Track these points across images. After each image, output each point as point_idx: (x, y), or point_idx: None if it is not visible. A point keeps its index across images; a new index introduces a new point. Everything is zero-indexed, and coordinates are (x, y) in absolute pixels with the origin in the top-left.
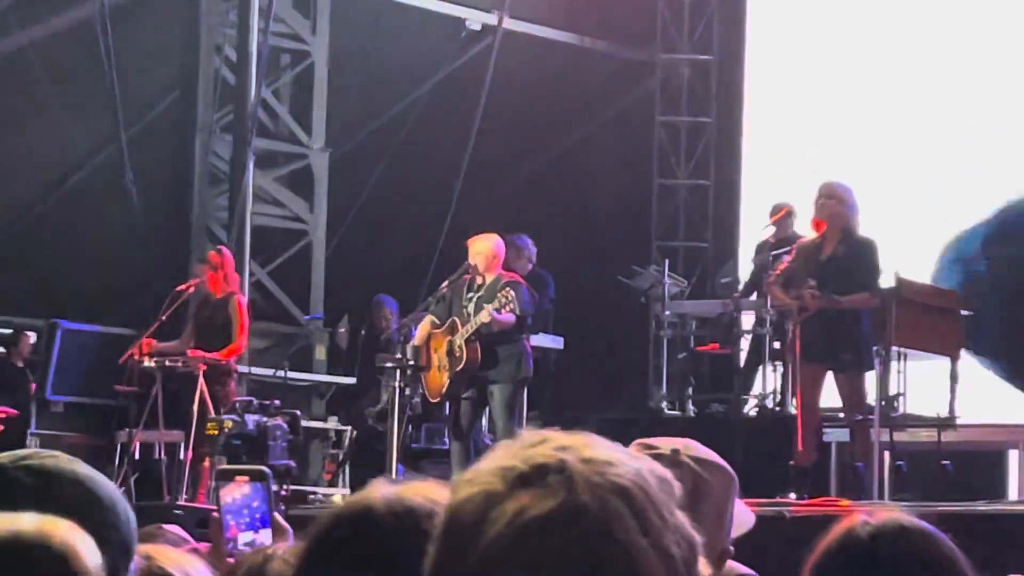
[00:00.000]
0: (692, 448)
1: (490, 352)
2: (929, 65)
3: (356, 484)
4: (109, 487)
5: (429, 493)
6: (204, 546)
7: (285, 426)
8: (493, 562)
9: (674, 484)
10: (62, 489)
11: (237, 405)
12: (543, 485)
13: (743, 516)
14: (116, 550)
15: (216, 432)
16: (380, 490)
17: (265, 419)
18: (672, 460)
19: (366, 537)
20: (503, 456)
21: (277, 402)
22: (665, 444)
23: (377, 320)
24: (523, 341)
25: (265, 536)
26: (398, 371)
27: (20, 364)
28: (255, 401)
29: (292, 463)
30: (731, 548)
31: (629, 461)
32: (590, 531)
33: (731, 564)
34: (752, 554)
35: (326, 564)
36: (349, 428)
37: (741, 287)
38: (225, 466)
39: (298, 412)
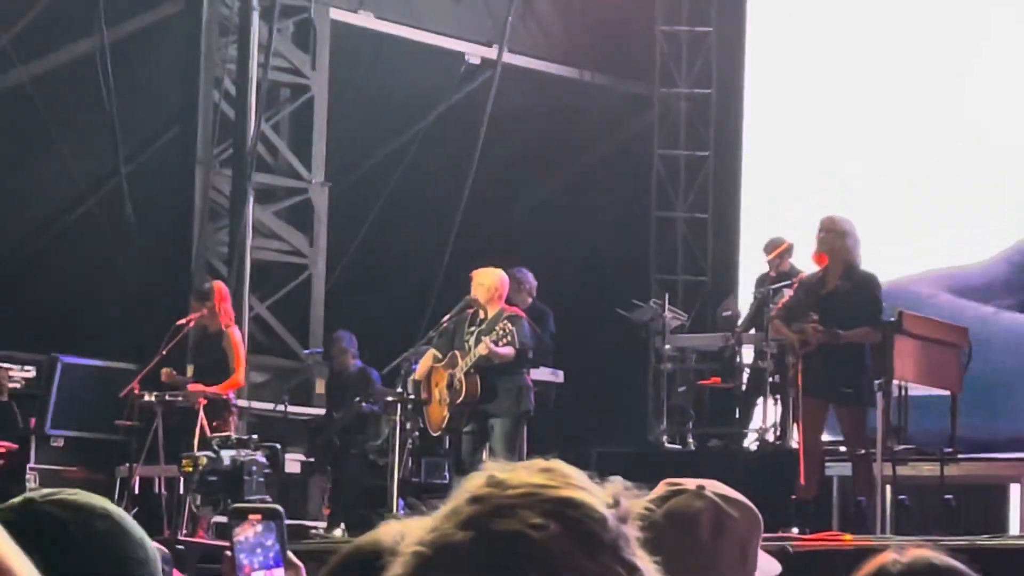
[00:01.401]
0: (718, 486)
1: (490, 386)
2: (931, 99)
3: (353, 519)
4: (137, 525)
5: None
6: None
7: (263, 460)
8: None
9: (615, 528)
10: (93, 523)
11: (213, 441)
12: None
13: (769, 564)
14: None
15: (191, 469)
16: (391, 531)
17: (241, 455)
18: (696, 495)
19: None
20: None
21: (255, 436)
22: (691, 482)
23: (330, 354)
24: (524, 375)
25: (278, 575)
26: (399, 405)
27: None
28: (233, 436)
29: (268, 498)
30: None
31: (540, 505)
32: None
33: None
34: None
35: None
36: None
37: (741, 321)
38: (238, 505)
39: (278, 446)
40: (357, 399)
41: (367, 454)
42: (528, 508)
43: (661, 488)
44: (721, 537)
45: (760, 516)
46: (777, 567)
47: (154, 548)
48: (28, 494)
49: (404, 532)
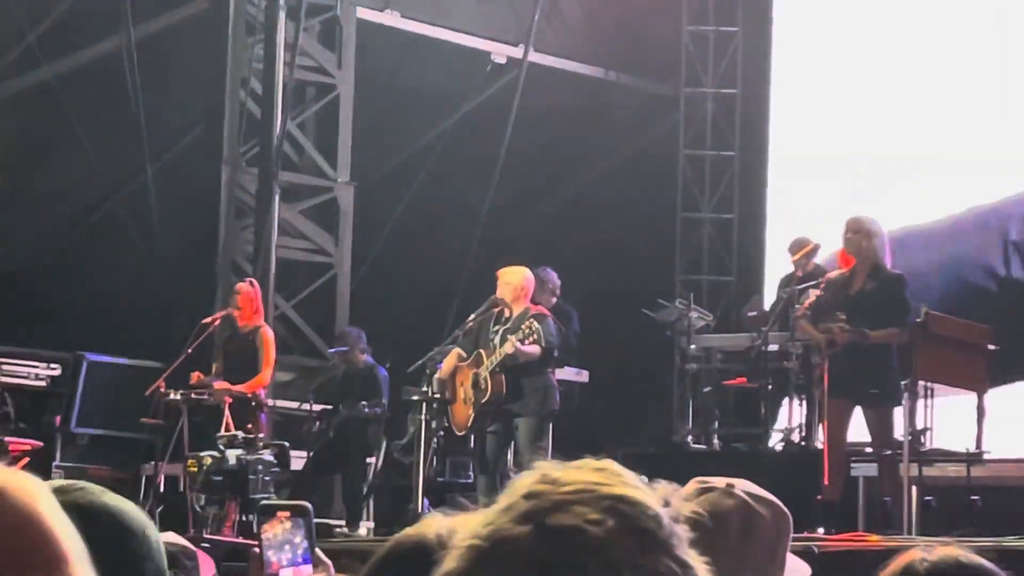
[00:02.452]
0: (748, 485)
1: (516, 385)
2: (959, 97)
3: (379, 518)
4: (139, 516)
5: None
6: None
7: (271, 459)
8: None
9: (669, 527)
10: (94, 521)
11: (220, 441)
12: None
13: (798, 566)
14: None
15: (196, 469)
16: (433, 525)
17: (247, 454)
18: (725, 493)
19: (419, 572)
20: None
21: (263, 435)
22: (721, 481)
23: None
24: (549, 375)
25: (307, 571)
26: (424, 404)
27: None
28: (240, 435)
29: (273, 496)
30: None
31: (598, 511)
32: None
33: None
34: None
35: None
36: (372, 460)
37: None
38: (267, 502)
39: (287, 444)
40: (362, 403)
41: (365, 455)
42: (585, 504)
43: (691, 486)
44: (750, 536)
45: (790, 516)
46: (807, 569)
47: (158, 537)
48: None
49: (448, 526)
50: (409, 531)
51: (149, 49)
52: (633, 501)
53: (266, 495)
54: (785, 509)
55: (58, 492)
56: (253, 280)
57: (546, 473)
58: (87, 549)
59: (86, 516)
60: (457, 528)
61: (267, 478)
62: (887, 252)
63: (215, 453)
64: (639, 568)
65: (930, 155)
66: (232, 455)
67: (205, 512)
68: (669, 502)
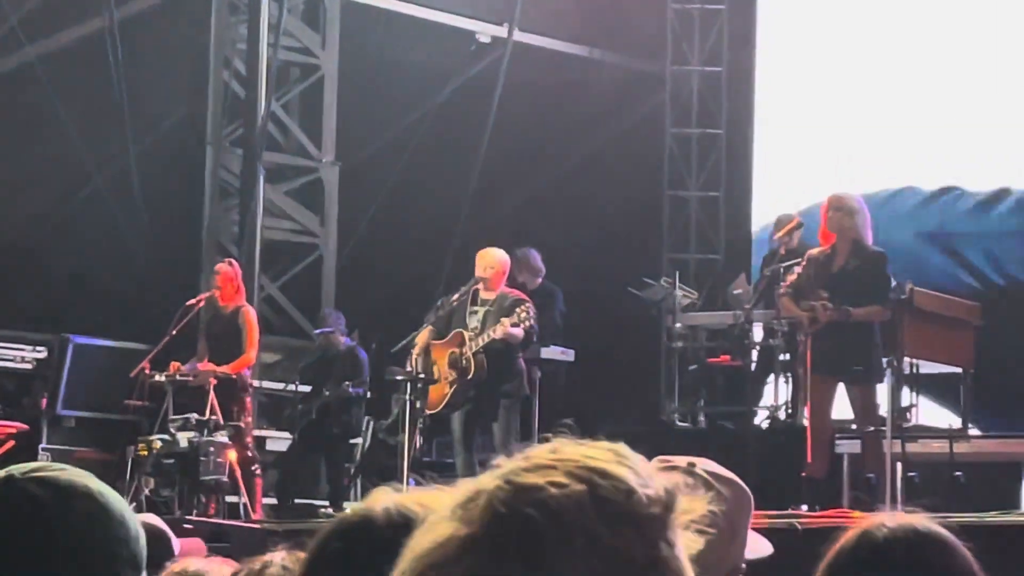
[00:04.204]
0: (708, 464)
1: (493, 368)
2: (942, 74)
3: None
4: (119, 502)
5: (429, 502)
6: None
7: (225, 440)
8: None
9: (644, 506)
10: (73, 502)
11: (172, 424)
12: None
13: (759, 544)
14: (126, 565)
15: (146, 453)
16: (381, 500)
17: (200, 436)
18: (686, 472)
19: (364, 547)
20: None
21: (215, 417)
22: (682, 460)
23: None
24: (520, 358)
25: None
26: (409, 384)
27: None
28: (192, 418)
29: (223, 478)
30: (744, 566)
31: (573, 482)
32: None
33: None
34: (763, 567)
35: (326, 574)
36: (357, 441)
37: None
38: None
39: (242, 424)
40: (346, 383)
41: (348, 435)
42: (559, 470)
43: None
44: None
45: (751, 495)
46: (768, 547)
47: (138, 525)
48: (9, 470)
49: (396, 501)
50: (356, 506)
51: (132, 30)
52: (609, 474)
53: (217, 477)
54: (746, 488)
55: (40, 470)
56: (232, 260)
57: (556, 446)
58: (67, 527)
59: (66, 493)
60: (405, 503)
61: (219, 460)
62: (868, 229)
63: (166, 436)
64: (593, 535)
65: (918, 132)
66: (183, 438)
67: (156, 496)
68: (669, 490)
